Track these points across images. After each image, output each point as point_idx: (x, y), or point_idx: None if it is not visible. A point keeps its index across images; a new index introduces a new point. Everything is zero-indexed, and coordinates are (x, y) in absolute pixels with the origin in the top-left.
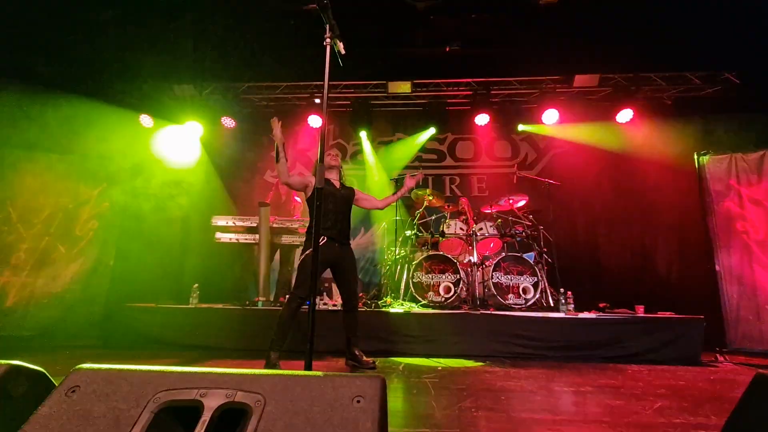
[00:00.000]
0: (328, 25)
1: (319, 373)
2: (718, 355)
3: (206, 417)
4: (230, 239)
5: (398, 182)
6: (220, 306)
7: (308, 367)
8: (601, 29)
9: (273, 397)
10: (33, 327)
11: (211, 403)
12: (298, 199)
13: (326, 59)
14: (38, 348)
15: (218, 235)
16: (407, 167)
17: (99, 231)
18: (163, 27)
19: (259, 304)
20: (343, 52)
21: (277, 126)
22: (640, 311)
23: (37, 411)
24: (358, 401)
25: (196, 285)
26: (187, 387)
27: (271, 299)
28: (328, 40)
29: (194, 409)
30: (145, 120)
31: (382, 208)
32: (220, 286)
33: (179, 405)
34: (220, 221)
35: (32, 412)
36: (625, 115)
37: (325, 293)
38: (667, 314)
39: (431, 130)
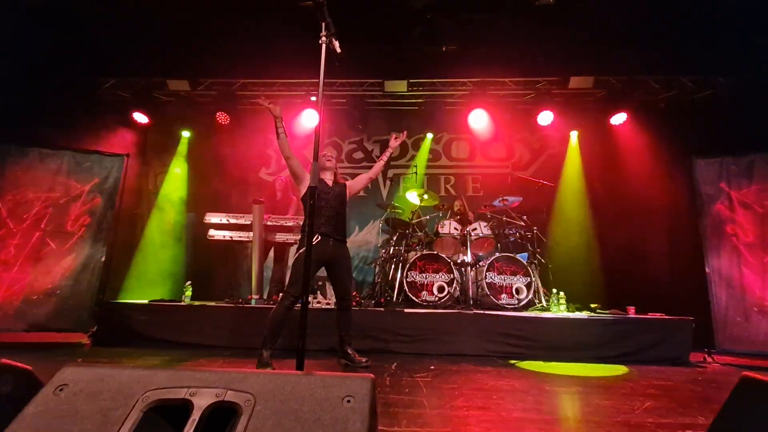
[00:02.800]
0: (324, 23)
1: (310, 372)
2: (706, 355)
3: (196, 416)
4: (223, 237)
5: (392, 181)
6: (212, 304)
7: (300, 366)
8: (596, 31)
9: (263, 397)
10: (23, 323)
11: (201, 402)
12: (294, 196)
13: (322, 57)
14: (28, 345)
15: (211, 232)
16: (402, 166)
17: (91, 227)
18: (157, 22)
19: (253, 302)
20: (338, 50)
21: (265, 102)
22: (632, 312)
23: (24, 410)
24: (348, 401)
25: (189, 282)
26: (176, 386)
27: (265, 297)
28: (323, 38)
29: (184, 408)
30: (139, 115)
31: (375, 177)
32: (213, 283)
33: (169, 404)
34: (214, 218)
35: (19, 411)
36: (619, 117)
37: (318, 291)
38: (658, 315)
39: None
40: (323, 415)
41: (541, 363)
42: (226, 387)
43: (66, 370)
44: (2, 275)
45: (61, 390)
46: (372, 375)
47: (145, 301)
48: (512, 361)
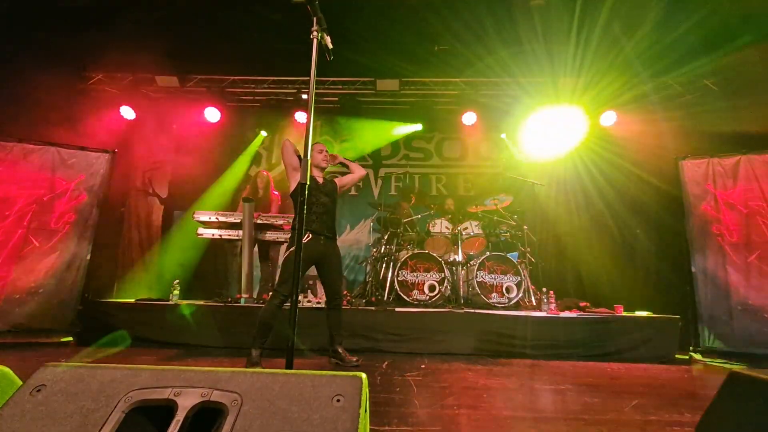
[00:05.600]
0: (315, 18)
1: (299, 371)
2: (692, 353)
3: (180, 417)
4: (213, 235)
5: (384, 180)
6: (201, 303)
7: (289, 365)
8: (586, 33)
9: (250, 397)
10: (5, 323)
11: (186, 402)
12: (276, 192)
13: (313, 53)
14: (10, 345)
15: (200, 230)
16: (393, 165)
17: (76, 224)
18: (147, 16)
19: (242, 301)
20: (330, 46)
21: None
22: (619, 311)
23: None
24: (338, 400)
25: (177, 281)
26: (160, 386)
27: (255, 296)
28: (315, 33)
29: (168, 409)
30: (127, 111)
31: (355, 172)
32: (201, 282)
33: (152, 404)
34: (203, 216)
35: None
36: (608, 118)
37: (309, 290)
38: (645, 314)
39: (417, 126)
40: (312, 415)
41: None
42: (211, 387)
43: (44, 371)
44: None
45: (38, 391)
46: (362, 374)
47: (132, 300)
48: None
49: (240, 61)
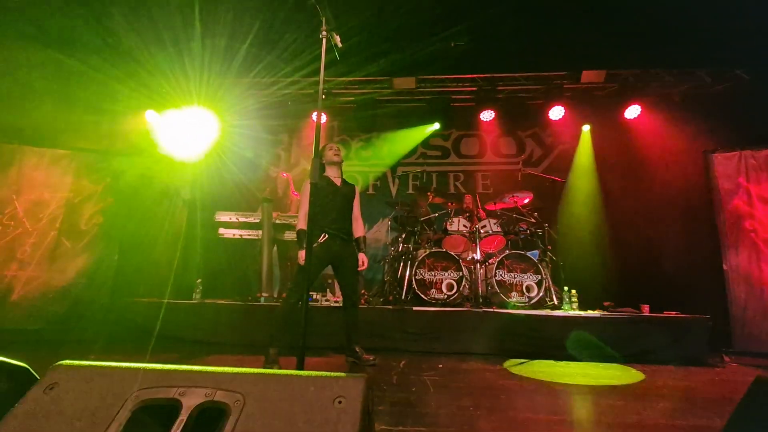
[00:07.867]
0: (324, 18)
1: (301, 372)
2: (724, 355)
3: (183, 417)
4: (233, 235)
5: (401, 178)
6: (223, 301)
7: (300, 364)
8: (608, 24)
9: (253, 397)
10: (38, 321)
11: (190, 402)
12: (296, 193)
13: (322, 51)
14: (43, 342)
15: (221, 230)
16: (410, 164)
17: (103, 226)
18: (169, 22)
19: (262, 299)
20: (339, 45)
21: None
22: (646, 310)
23: (14, 409)
24: (340, 402)
25: (200, 280)
26: (166, 385)
27: (275, 295)
28: (324, 32)
29: (173, 408)
30: (151, 116)
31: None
32: (223, 281)
33: (158, 404)
34: (224, 217)
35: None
36: (632, 111)
37: (327, 289)
38: (673, 313)
39: (435, 125)
40: (313, 416)
41: (551, 362)
42: (215, 387)
43: (57, 369)
44: (19, 273)
45: (51, 389)
46: (365, 375)
47: (157, 299)
48: (521, 360)
49: (259, 62)
